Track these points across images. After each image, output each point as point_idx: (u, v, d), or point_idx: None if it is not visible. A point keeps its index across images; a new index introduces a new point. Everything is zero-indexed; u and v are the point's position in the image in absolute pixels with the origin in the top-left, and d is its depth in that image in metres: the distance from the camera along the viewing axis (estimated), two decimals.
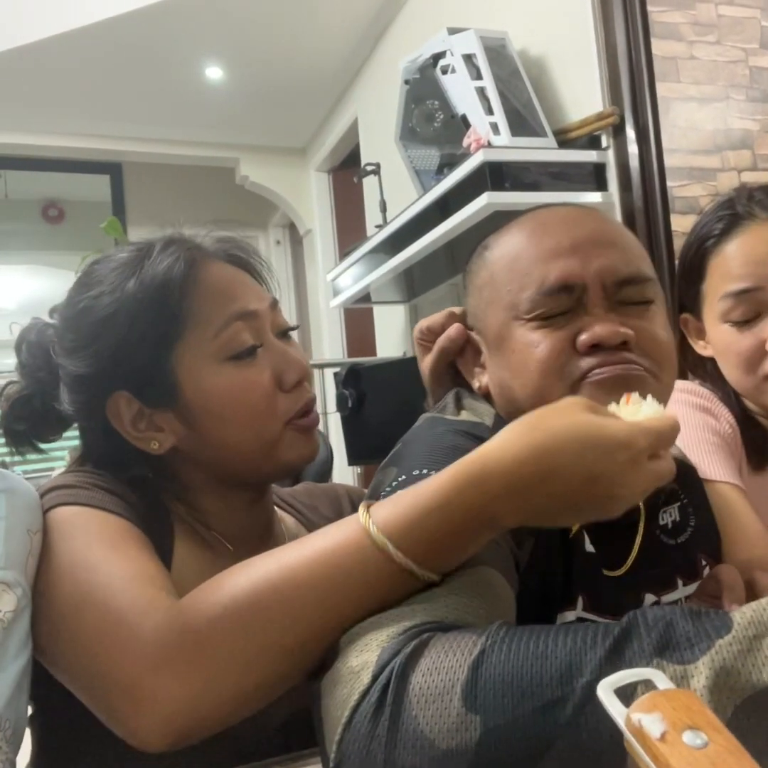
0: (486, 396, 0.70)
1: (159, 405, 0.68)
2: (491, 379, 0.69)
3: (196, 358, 0.67)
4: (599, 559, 0.64)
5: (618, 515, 0.50)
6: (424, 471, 0.57)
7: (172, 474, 0.71)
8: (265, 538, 0.76)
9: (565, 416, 0.50)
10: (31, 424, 0.74)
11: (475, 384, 0.71)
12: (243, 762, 0.61)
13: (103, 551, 0.58)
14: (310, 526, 0.82)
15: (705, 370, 0.97)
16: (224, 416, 0.68)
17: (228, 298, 0.69)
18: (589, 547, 0.64)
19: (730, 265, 0.89)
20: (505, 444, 0.49)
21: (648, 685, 0.33)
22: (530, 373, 0.62)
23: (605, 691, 0.32)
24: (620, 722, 0.30)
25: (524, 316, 0.63)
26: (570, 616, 0.61)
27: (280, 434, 0.70)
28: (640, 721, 0.29)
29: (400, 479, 0.59)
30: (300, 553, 0.51)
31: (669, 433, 0.51)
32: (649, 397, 0.55)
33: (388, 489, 0.59)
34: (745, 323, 0.88)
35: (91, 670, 0.53)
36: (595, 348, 0.61)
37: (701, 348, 0.96)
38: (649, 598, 0.66)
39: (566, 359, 0.62)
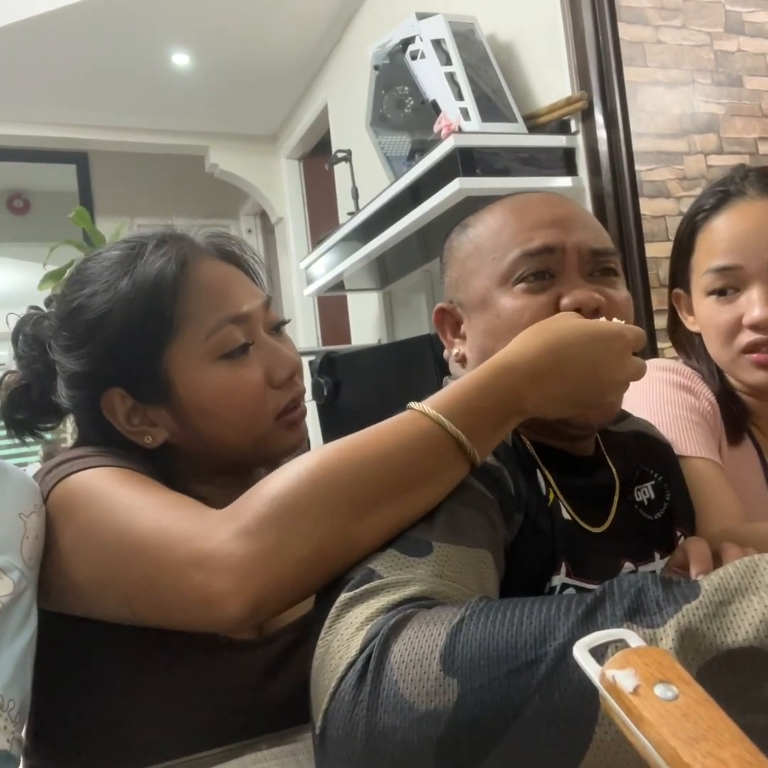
0: (461, 363, 0.74)
1: (152, 402, 0.70)
2: (471, 347, 0.73)
3: (189, 358, 0.68)
4: (576, 523, 0.67)
5: (615, 401, 0.67)
6: None
7: (164, 463, 0.73)
8: None
9: (566, 320, 0.62)
10: (30, 413, 0.76)
11: (453, 352, 0.75)
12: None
13: (137, 494, 0.60)
14: None
15: (693, 346, 0.99)
16: (216, 414, 0.69)
17: (220, 300, 0.70)
18: (566, 515, 0.66)
19: (715, 240, 0.91)
20: (524, 343, 0.60)
21: (621, 644, 0.35)
22: (512, 331, 0.65)
23: (581, 650, 0.33)
24: (596, 679, 0.31)
25: (508, 281, 0.68)
26: (556, 580, 0.63)
27: (270, 429, 0.71)
28: (613, 676, 0.30)
29: None
30: (361, 432, 0.56)
31: (642, 334, 0.63)
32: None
33: None
34: (724, 297, 0.90)
35: (157, 578, 0.54)
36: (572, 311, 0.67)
37: (691, 323, 0.98)
38: (628, 566, 0.68)
39: None
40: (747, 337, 0.88)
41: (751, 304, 0.87)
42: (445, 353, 0.77)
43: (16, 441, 0.76)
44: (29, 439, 0.77)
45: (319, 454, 0.54)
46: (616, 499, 0.71)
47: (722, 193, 0.92)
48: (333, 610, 0.48)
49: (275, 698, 0.66)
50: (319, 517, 0.51)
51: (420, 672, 0.41)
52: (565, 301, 0.67)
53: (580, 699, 0.37)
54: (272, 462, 0.74)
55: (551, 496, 0.66)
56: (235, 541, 0.51)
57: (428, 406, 0.56)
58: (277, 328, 0.76)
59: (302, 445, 0.75)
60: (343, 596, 0.48)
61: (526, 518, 0.62)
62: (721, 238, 0.90)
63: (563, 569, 0.63)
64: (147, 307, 0.67)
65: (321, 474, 0.52)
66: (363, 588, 0.48)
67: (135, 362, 0.68)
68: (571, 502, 0.67)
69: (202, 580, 0.51)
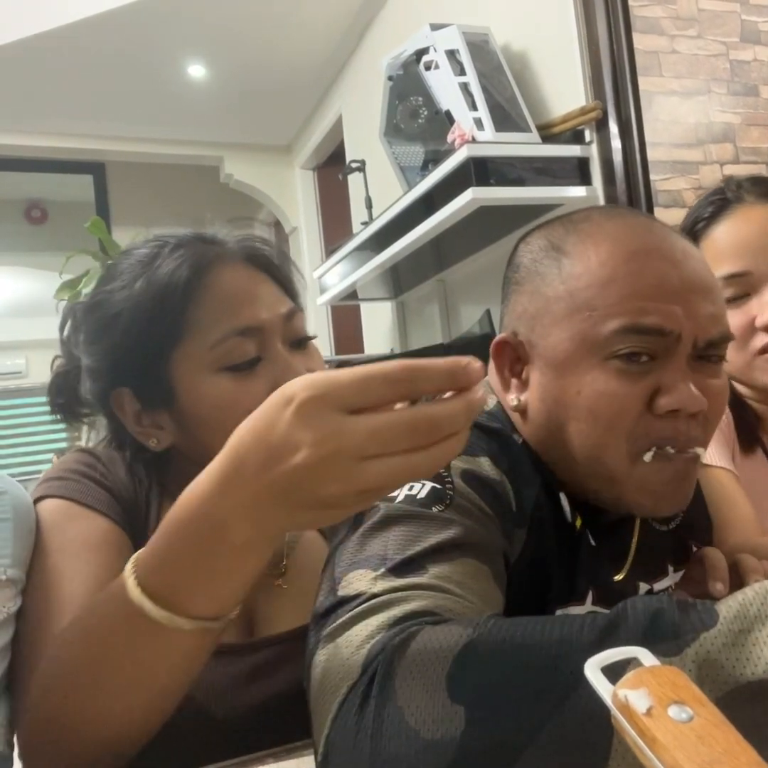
0: (521, 415, 0.64)
1: (156, 406, 0.70)
2: (534, 404, 0.62)
3: (192, 366, 0.68)
4: (601, 552, 0.64)
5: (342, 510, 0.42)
6: None
7: (170, 466, 0.73)
8: None
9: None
10: (68, 399, 0.78)
11: (510, 398, 0.64)
12: (229, 745, 0.62)
13: (66, 561, 0.61)
14: None
15: None
16: (216, 426, 0.67)
17: (232, 310, 0.68)
18: (592, 541, 0.64)
19: (720, 248, 0.90)
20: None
21: (634, 663, 0.34)
22: (595, 423, 0.58)
23: (592, 669, 0.32)
24: (607, 699, 0.30)
25: (601, 352, 0.57)
26: (578, 610, 0.60)
27: None
28: (626, 696, 0.29)
29: None
30: (85, 608, 0.51)
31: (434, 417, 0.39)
32: None
33: None
34: (734, 302, 0.89)
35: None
36: (670, 411, 0.57)
37: None
38: (643, 587, 0.67)
39: (638, 418, 0.57)
40: (762, 339, 0.88)
41: (763, 307, 0.87)
42: (496, 385, 0.66)
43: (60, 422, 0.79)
44: (72, 422, 0.79)
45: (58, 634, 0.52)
46: (635, 537, 0.67)
47: (720, 202, 0.92)
48: (330, 628, 0.46)
49: (243, 706, 0.65)
50: (47, 693, 0.49)
51: (425, 698, 0.39)
52: (663, 399, 0.56)
53: (593, 731, 0.35)
54: None
55: (578, 523, 0.63)
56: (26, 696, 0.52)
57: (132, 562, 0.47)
58: (299, 343, 0.72)
59: None
60: (342, 611, 0.46)
61: (537, 536, 0.60)
62: (727, 245, 0.90)
63: (589, 598, 0.61)
64: (155, 310, 0.67)
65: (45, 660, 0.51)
66: (363, 607, 0.46)
67: (140, 364, 0.68)
68: (594, 528, 0.64)
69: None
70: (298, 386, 0.39)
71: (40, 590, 0.60)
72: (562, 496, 0.63)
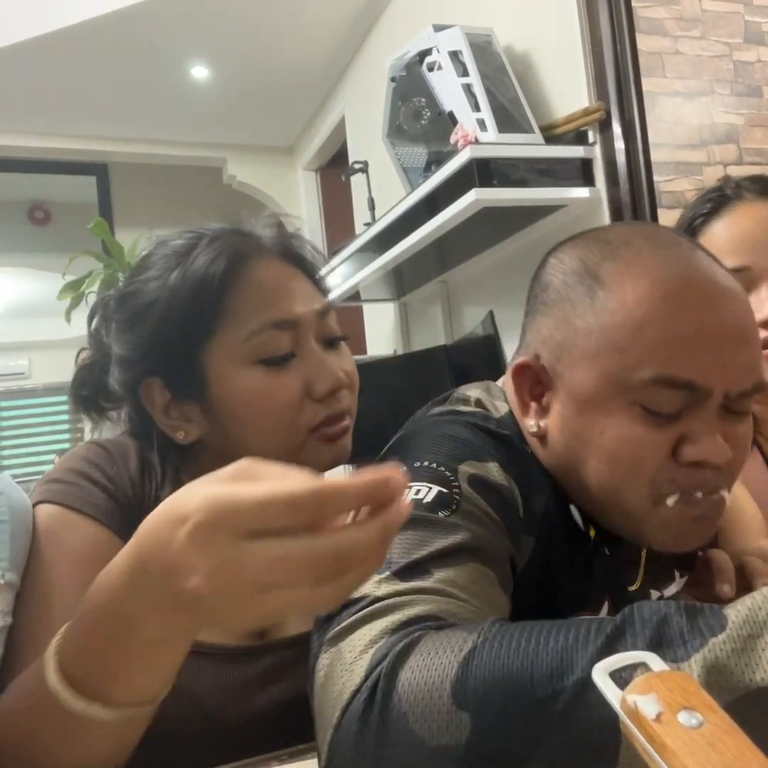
0: (540, 441, 0.62)
1: (187, 397, 0.69)
2: (553, 430, 0.60)
3: (226, 357, 0.67)
4: (614, 561, 0.64)
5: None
6: (425, 463, 0.56)
7: (195, 461, 0.72)
8: None
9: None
10: (92, 391, 0.77)
11: (530, 423, 0.62)
12: (239, 749, 0.61)
13: (56, 576, 0.60)
14: None
15: None
16: (247, 419, 0.67)
17: (268, 303, 0.68)
18: (607, 552, 0.63)
19: (719, 243, 0.89)
20: None
21: (642, 668, 0.33)
22: (616, 466, 0.56)
23: (600, 674, 0.32)
24: (615, 705, 0.30)
25: (629, 397, 0.55)
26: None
27: (303, 442, 0.69)
28: (635, 702, 0.29)
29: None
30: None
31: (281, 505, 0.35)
32: None
33: None
34: None
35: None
36: (694, 462, 0.56)
37: None
38: (654, 595, 0.66)
39: (661, 465, 0.56)
40: (760, 335, 0.88)
41: (761, 303, 0.86)
42: (514, 406, 0.64)
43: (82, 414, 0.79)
44: (94, 416, 0.79)
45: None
46: (644, 553, 0.66)
47: (719, 198, 0.92)
48: (333, 632, 0.45)
49: (254, 711, 0.64)
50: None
51: (430, 704, 0.38)
52: (689, 450, 0.55)
53: (600, 737, 0.35)
54: None
55: (592, 532, 0.62)
56: None
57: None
58: (331, 342, 0.72)
59: (341, 462, 0.72)
60: (346, 614, 0.46)
61: (546, 544, 0.59)
62: (725, 240, 0.89)
63: (605, 608, 0.61)
64: (191, 300, 0.66)
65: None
66: (366, 611, 0.45)
67: (173, 354, 0.68)
68: (604, 537, 0.63)
69: None
70: (193, 506, 0.35)
71: (28, 606, 0.59)
72: (573, 508, 0.62)
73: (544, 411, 0.62)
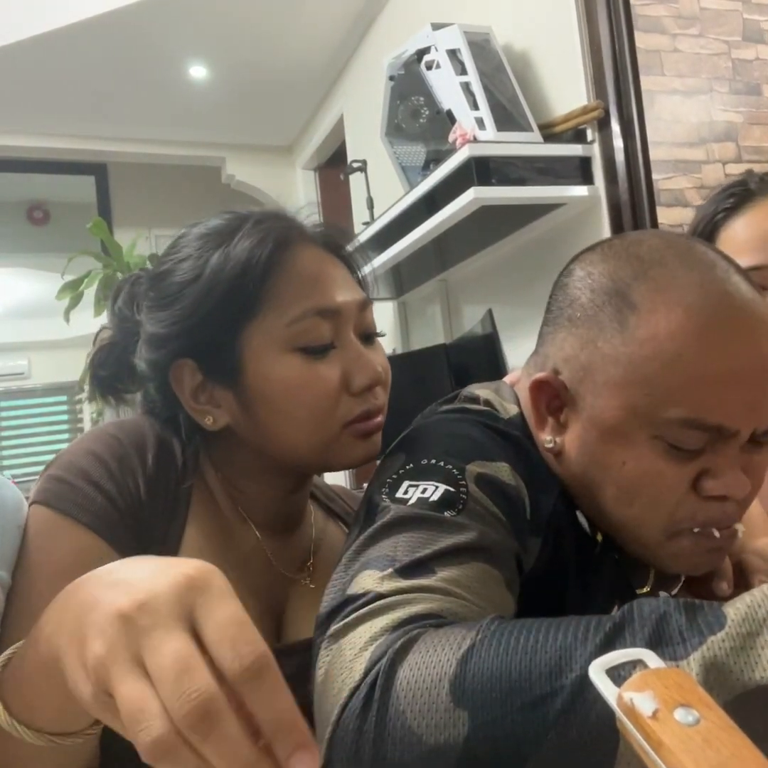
0: (556, 457, 0.62)
1: (219, 381, 0.67)
2: (571, 450, 0.60)
3: (265, 342, 0.65)
4: (623, 565, 0.64)
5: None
6: (432, 461, 0.56)
7: (219, 448, 0.71)
8: (292, 527, 0.76)
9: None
10: (112, 371, 0.75)
11: (546, 439, 0.61)
12: None
13: (39, 589, 0.58)
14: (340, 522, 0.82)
15: None
16: (280, 408, 0.65)
17: (312, 289, 0.66)
18: (616, 555, 0.63)
19: (739, 240, 0.88)
20: None
21: (639, 665, 0.33)
22: (636, 498, 0.56)
23: (597, 671, 0.32)
24: (612, 702, 0.30)
25: (653, 431, 0.54)
26: None
27: (336, 436, 0.67)
28: (631, 699, 0.29)
29: (407, 467, 0.57)
30: None
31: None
32: None
33: (394, 476, 0.57)
34: None
35: None
36: (715, 497, 0.56)
37: None
38: (663, 595, 0.66)
39: (681, 500, 0.56)
40: None
41: None
42: (530, 418, 0.63)
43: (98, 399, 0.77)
44: (110, 399, 0.77)
45: None
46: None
47: (743, 192, 0.90)
48: (334, 628, 0.46)
49: None
50: None
51: (428, 702, 0.38)
52: (711, 484, 0.54)
53: (598, 735, 0.35)
54: (334, 470, 0.71)
55: (599, 537, 0.62)
56: None
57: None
58: (368, 337, 0.71)
59: (372, 459, 0.70)
60: (346, 613, 0.46)
61: (553, 546, 0.59)
62: (748, 237, 0.88)
63: (614, 612, 0.61)
64: (234, 280, 0.65)
65: None
66: (367, 608, 0.45)
67: (211, 334, 0.66)
68: (611, 541, 0.63)
69: None
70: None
71: (9, 611, 0.58)
72: (579, 514, 0.62)
73: (561, 428, 0.61)
